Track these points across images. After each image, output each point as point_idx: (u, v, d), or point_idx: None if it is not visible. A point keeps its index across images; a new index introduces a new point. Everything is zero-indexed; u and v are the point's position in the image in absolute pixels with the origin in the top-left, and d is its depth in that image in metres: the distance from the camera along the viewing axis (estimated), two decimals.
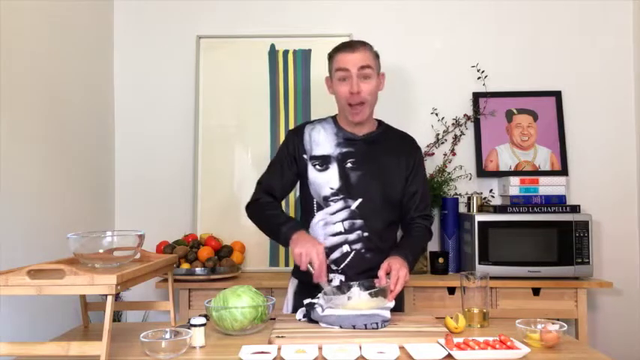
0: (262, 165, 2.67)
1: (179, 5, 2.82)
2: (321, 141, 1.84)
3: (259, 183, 1.90)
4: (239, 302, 1.51)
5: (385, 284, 1.59)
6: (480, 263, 2.43)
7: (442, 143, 2.78)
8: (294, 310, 1.82)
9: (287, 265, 2.66)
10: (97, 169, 2.60)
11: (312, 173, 1.82)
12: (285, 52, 2.78)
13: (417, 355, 1.30)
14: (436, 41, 2.82)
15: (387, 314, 1.53)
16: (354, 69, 1.74)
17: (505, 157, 2.76)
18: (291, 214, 2.68)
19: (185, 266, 2.44)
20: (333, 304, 1.54)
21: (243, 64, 2.76)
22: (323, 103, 2.63)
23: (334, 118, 1.89)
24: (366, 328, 1.50)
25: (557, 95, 2.80)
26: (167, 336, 1.41)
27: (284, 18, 2.80)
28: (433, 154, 2.76)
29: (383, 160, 1.82)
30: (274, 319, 1.66)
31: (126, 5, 2.81)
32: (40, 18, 2.08)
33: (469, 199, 2.67)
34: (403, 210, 1.86)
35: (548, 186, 2.57)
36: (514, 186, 2.57)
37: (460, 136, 2.78)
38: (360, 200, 1.77)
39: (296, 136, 1.87)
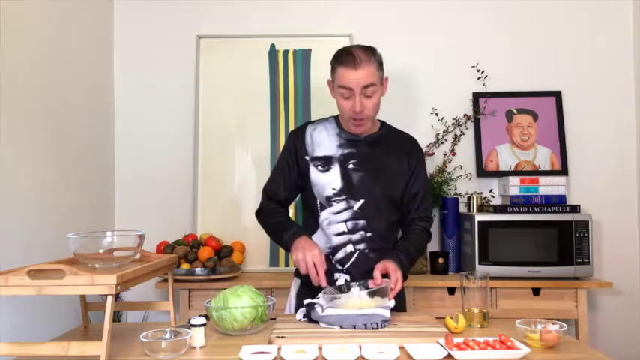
0: (262, 165, 2.71)
1: (179, 5, 2.82)
2: (323, 142, 1.83)
3: (264, 190, 1.91)
4: (239, 302, 1.51)
5: (384, 284, 1.60)
6: (480, 263, 2.43)
7: (442, 143, 2.78)
8: (297, 309, 1.82)
9: (287, 265, 2.66)
10: (97, 169, 2.60)
11: (314, 174, 1.82)
12: (285, 52, 2.78)
13: (417, 355, 1.30)
14: (436, 41, 2.82)
15: (387, 314, 1.53)
16: (357, 88, 1.69)
17: (505, 157, 2.76)
18: (292, 214, 2.68)
19: (185, 266, 2.44)
20: (333, 303, 1.54)
21: (243, 64, 2.76)
22: (323, 103, 2.63)
23: (336, 118, 1.89)
24: (366, 328, 1.50)
25: (557, 95, 2.80)
26: (167, 336, 1.41)
27: (284, 18, 2.80)
28: (433, 154, 2.76)
29: (385, 161, 1.82)
30: (274, 319, 1.66)
31: (126, 5, 2.81)
32: (40, 18, 2.08)
33: (469, 199, 2.67)
34: (404, 211, 1.86)
35: (548, 186, 2.57)
36: (514, 186, 2.57)
37: (460, 136, 2.78)
38: (362, 201, 1.77)
39: (297, 138, 1.87)
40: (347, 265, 1.78)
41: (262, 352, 1.33)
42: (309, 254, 1.66)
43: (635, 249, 2.77)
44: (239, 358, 1.31)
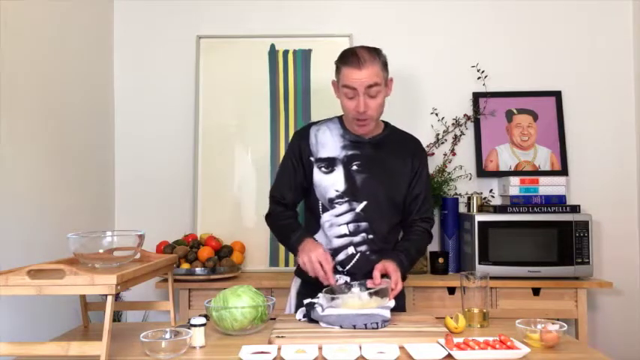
0: (262, 165, 2.71)
1: (179, 5, 2.82)
2: (327, 143, 1.83)
3: (271, 195, 1.91)
4: (239, 302, 1.51)
5: (384, 284, 1.60)
6: (480, 263, 2.42)
7: (442, 143, 2.78)
8: (298, 309, 1.82)
9: (287, 265, 2.66)
10: (97, 168, 2.60)
11: (318, 175, 1.81)
12: (285, 52, 2.78)
13: (417, 355, 1.30)
14: (436, 41, 2.82)
15: (387, 314, 1.53)
16: (361, 88, 1.69)
17: (505, 157, 2.76)
18: None
19: (185, 266, 2.44)
20: (333, 303, 1.55)
21: (243, 64, 2.76)
22: (323, 103, 2.64)
23: (340, 119, 1.88)
24: (366, 328, 1.50)
25: (557, 95, 2.80)
26: (167, 336, 1.41)
27: (284, 18, 2.80)
28: (433, 154, 2.76)
29: (388, 163, 1.82)
30: (274, 319, 1.66)
31: (126, 5, 2.81)
32: (40, 18, 2.08)
33: (469, 199, 2.67)
34: (405, 212, 1.86)
35: (548, 186, 2.57)
36: (514, 186, 2.57)
37: (460, 136, 2.78)
38: (365, 203, 1.77)
39: (301, 139, 1.86)
40: (348, 267, 1.78)
41: (262, 352, 1.33)
42: (313, 255, 1.66)
43: (635, 249, 2.77)
44: (239, 358, 1.31)
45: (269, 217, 1.90)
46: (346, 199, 1.77)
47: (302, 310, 1.63)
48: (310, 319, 1.58)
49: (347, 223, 1.77)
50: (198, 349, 1.42)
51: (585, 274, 2.43)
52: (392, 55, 2.71)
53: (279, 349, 1.36)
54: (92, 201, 2.53)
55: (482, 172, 2.76)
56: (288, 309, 1.92)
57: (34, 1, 2.04)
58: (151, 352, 1.34)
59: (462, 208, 2.70)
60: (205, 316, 1.53)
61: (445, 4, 2.82)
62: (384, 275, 1.67)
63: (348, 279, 1.76)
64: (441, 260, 2.56)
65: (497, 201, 2.74)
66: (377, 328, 1.50)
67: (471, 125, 2.80)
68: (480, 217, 2.45)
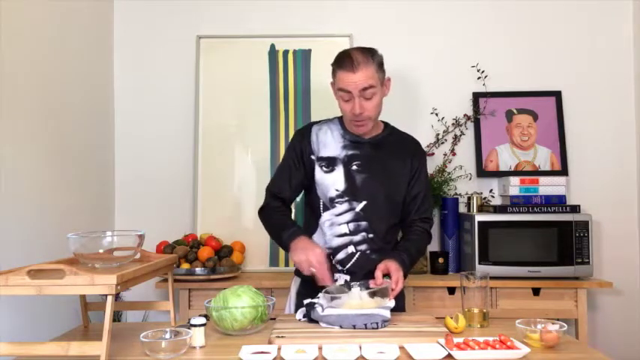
0: (262, 165, 2.71)
1: (179, 5, 2.82)
2: (328, 142, 1.83)
3: (267, 189, 1.90)
4: (239, 302, 1.51)
5: (384, 284, 1.60)
6: (480, 263, 2.42)
7: (442, 143, 2.78)
8: (297, 309, 1.82)
9: (287, 265, 2.66)
10: (97, 168, 2.60)
11: (319, 174, 1.82)
12: (285, 52, 2.78)
13: (417, 355, 1.30)
14: (436, 41, 2.82)
15: (387, 314, 1.53)
16: (356, 91, 1.69)
17: (505, 157, 2.76)
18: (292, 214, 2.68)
19: (185, 266, 2.44)
20: (333, 303, 1.55)
21: (243, 64, 2.76)
22: (323, 103, 2.64)
23: (340, 119, 1.88)
24: (366, 328, 1.50)
25: (557, 95, 2.80)
26: (167, 336, 1.41)
27: (284, 18, 2.80)
28: (433, 154, 2.76)
29: (388, 163, 1.82)
30: (274, 319, 1.66)
31: (126, 5, 2.81)
32: (40, 18, 2.08)
33: (469, 199, 2.67)
34: (404, 212, 1.86)
35: (548, 186, 2.57)
36: (514, 186, 2.57)
37: (460, 136, 2.78)
38: (364, 203, 1.77)
39: (303, 137, 1.86)
40: (348, 266, 1.78)
41: (262, 352, 1.33)
42: (311, 254, 1.65)
43: (635, 249, 2.77)
44: (239, 358, 1.31)
45: (263, 211, 1.89)
46: (346, 198, 1.78)
47: (302, 310, 1.63)
48: (310, 319, 1.58)
49: (347, 223, 1.78)
50: (198, 349, 1.42)
51: (585, 274, 2.43)
52: (392, 55, 2.72)
53: (279, 349, 1.36)
54: (92, 201, 2.53)
55: (482, 172, 2.76)
56: (287, 309, 1.92)
57: (34, 1, 2.04)
58: (150, 352, 1.34)
59: (462, 208, 2.70)
60: (205, 316, 1.53)
61: (445, 4, 2.82)
62: (385, 275, 1.66)
63: (347, 278, 1.76)
64: (441, 260, 2.56)
65: (497, 201, 2.74)
66: (377, 328, 1.50)
67: (470, 125, 2.80)
68: (479, 217, 2.45)
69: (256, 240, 2.62)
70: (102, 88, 2.69)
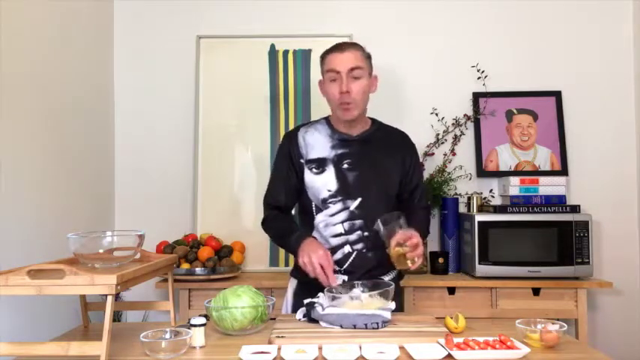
0: (262, 165, 2.71)
1: (179, 5, 2.82)
2: (316, 144, 1.84)
3: (264, 201, 1.90)
4: (239, 302, 1.51)
5: (386, 286, 1.60)
6: (480, 263, 2.43)
7: (442, 143, 2.78)
8: (294, 310, 1.82)
9: (287, 265, 2.66)
10: (97, 168, 2.60)
11: (309, 177, 1.82)
12: (285, 52, 2.78)
13: (417, 355, 1.30)
14: (436, 41, 2.82)
15: (388, 315, 1.53)
16: (344, 69, 1.74)
17: (505, 157, 2.76)
18: None
19: (185, 266, 2.44)
20: (334, 303, 1.54)
21: (243, 64, 2.76)
22: (323, 103, 2.62)
23: (327, 120, 1.89)
24: (366, 328, 1.50)
25: (557, 95, 2.80)
26: (167, 336, 1.41)
27: (284, 18, 2.80)
28: (433, 154, 2.76)
29: (379, 159, 1.83)
30: (274, 319, 1.66)
31: (126, 5, 2.81)
32: (40, 18, 2.08)
33: (469, 199, 2.67)
34: (403, 205, 1.86)
35: (548, 186, 2.57)
36: (514, 186, 2.57)
37: (460, 136, 2.78)
38: (359, 200, 1.78)
39: (290, 141, 1.87)
40: (345, 266, 1.78)
41: (262, 352, 1.33)
42: (314, 257, 1.65)
43: (635, 249, 2.77)
44: (239, 358, 1.31)
45: (265, 222, 1.89)
46: (339, 198, 1.78)
47: (302, 310, 1.63)
48: (310, 318, 1.58)
49: (342, 222, 1.78)
50: (198, 349, 1.42)
51: (585, 274, 2.43)
52: (392, 55, 2.76)
53: (279, 349, 1.36)
54: (92, 201, 2.53)
55: (482, 172, 2.76)
56: (284, 309, 1.91)
57: (34, 1, 2.04)
58: (150, 352, 1.34)
59: (462, 208, 2.70)
60: (205, 316, 1.53)
61: (445, 4, 2.82)
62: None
63: (345, 278, 1.76)
64: (441, 260, 2.55)
65: (497, 201, 2.74)
66: (377, 328, 1.50)
67: (470, 125, 2.80)
68: (479, 217, 2.45)
69: (256, 240, 2.62)
70: (102, 87, 2.69)
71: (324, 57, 1.81)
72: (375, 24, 2.80)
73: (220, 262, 2.46)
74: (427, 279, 2.47)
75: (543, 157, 2.75)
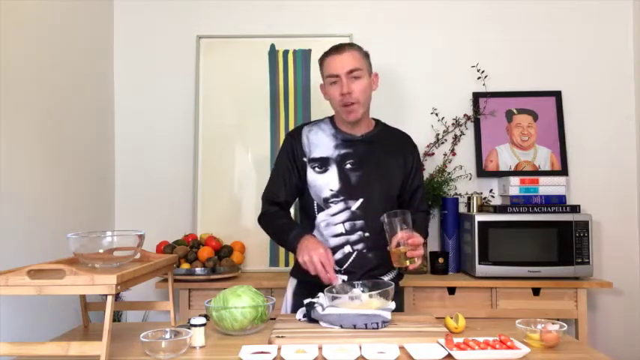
0: (262, 165, 2.71)
1: (179, 5, 2.82)
2: (320, 143, 1.84)
3: (263, 196, 1.90)
4: (239, 302, 1.51)
5: (388, 287, 1.60)
6: (480, 263, 2.43)
7: (442, 143, 2.78)
8: (293, 310, 1.82)
9: (287, 265, 2.66)
10: (96, 169, 2.60)
11: (312, 176, 1.82)
12: (285, 52, 2.78)
13: (417, 355, 1.30)
14: (436, 41, 2.82)
15: (388, 315, 1.53)
16: (343, 71, 1.74)
17: (505, 157, 2.76)
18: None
19: (185, 266, 2.44)
20: (334, 303, 1.54)
21: (243, 64, 2.76)
22: (323, 103, 2.62)
23: (331, 119, 1.89)
24: (366, 328, 1.50)
25: (557, 95, 2.80)
26: (167, 336, 1.41)
27: (284, 18, 2.80)
28: (433, 154, 2.76)
29: (382, 160, 1.83)
30: (274, 319, 1.66)
31: (126, 5, 2.81)
32: (40, 18, 2.08)
33: (469, 199, 2.67)
34: (404, 207, 1.86)
35: (548, 186, 2.57)
36: (514, 186, 2.57)
37: (460, 136, 2.78)
38: (360, 201, 1.78)
39: (294, 139, 1.87)
40: (345, 266, 1.78)
41: (262, 352, 1.33)
42: (315, 255, 1.63)
43: (635, 249, 2.77)
44: (239, 358, 1.31)
45: (263, 218, 1.88)
46: (341, 197, 1.78)
47: (302, 310, 1.63)
48: (310, 318, 1.58)
49: (343, 222, 1.78)
50: (198, 349, 1.42)
51: (585, 274, 2.43)
52: (392, 54, 2.76)
53: (279, 349, 1.36)
54: (92, 201, 2.53)
55: (482, 172, 2.76)
56: (283, 309, 1.91)
57: (34, 1, 2.04)
58: (150, 352, 1.34)
59: (462, 208, 2.70)
60: (205, 316, 1.53)
61: (445, 4, 2.82)
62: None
63: (345, 278, 1.76)
64: (441, 260, 2.55)
65: (497, 201, 2.74)
66: (377, 328, 1.50)
67: (470, 125, 2.80)
68: (479, 217, 2.45)
69: (256, 240, 2.62)
70: (102, 87, 2.69)
71: (322, 60, 1.82)
72: (375, 24, 2.80)
73: (220, 262, 2.46)
74: (427, 279, 2.47)
75: (543, 157, 2.75)
